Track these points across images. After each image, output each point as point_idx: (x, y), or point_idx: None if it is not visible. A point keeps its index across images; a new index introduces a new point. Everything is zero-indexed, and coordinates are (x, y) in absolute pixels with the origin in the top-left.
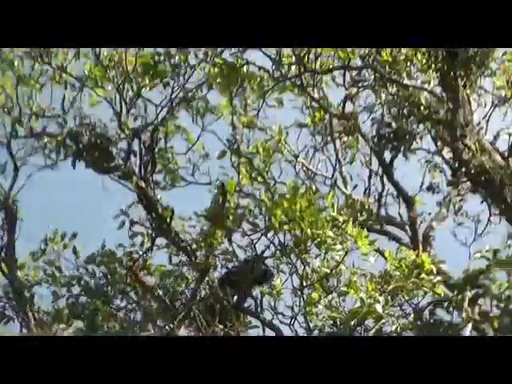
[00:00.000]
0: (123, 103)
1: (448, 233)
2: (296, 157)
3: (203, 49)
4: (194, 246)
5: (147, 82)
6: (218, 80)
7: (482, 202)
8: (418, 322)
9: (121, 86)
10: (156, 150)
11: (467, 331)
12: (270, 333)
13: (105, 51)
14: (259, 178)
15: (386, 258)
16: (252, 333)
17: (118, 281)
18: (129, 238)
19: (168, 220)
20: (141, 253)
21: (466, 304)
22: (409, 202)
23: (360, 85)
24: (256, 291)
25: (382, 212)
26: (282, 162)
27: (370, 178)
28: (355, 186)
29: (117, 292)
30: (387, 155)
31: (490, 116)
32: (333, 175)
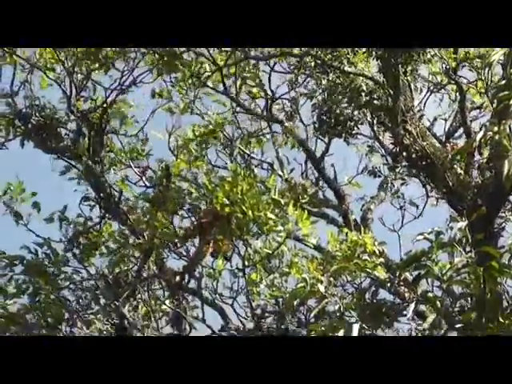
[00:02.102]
0: (73, 86)
1: (385, 214)
2: (232, 141)
3: None
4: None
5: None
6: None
7: (423, 185)
8: (361, 302)
9: (71, 69)
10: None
11: (410, 311)
12: (210, 312)
13: None
14: (197, 162)
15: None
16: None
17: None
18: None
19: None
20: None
21: (407, 285)
22: (340, 195)
23: (300, 71)
24: (196, 271)
25: (320, 195)
26: (218, 146)
27: (306, 162)
28: (292, 170)
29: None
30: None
31: (425, 102)
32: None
